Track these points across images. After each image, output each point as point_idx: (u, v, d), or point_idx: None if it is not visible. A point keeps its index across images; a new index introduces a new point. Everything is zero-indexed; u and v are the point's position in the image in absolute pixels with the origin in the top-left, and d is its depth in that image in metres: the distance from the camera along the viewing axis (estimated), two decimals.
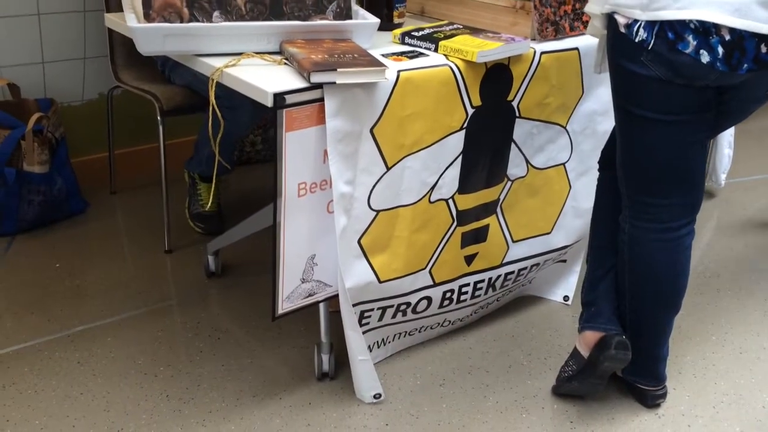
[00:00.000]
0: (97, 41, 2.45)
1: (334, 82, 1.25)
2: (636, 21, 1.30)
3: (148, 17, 1.36)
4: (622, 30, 1.32)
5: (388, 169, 1.42)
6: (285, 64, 1.36)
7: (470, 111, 1.50)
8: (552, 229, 1.84)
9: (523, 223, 1.77)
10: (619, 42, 1.34)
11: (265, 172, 2.75)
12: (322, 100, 1.27)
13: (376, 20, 1.45)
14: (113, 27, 1.62)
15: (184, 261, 2.16)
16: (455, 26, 1.63)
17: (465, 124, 1.51)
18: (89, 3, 2.40)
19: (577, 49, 1.65)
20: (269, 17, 1.45)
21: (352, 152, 1.36)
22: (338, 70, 1.25)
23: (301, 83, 1.26)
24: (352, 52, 1.35)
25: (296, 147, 1.29)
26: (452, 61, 1.45)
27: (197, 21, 1.40)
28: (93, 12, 2.40)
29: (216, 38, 1.37)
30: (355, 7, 1.54)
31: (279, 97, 1.22)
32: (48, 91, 2.42)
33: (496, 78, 1.52)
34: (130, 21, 1.32)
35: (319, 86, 1.26)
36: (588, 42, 1.67)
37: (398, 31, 1.56)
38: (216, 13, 1.42)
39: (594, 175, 1.83)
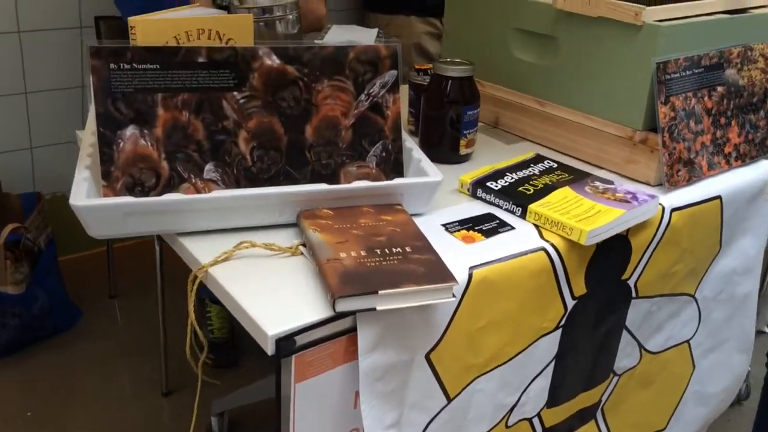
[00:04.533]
0: None
1: (374, 309, 0.80)
2: None
3: (108, 177, 0.94)
4: None
5: (450, 400, 0.97)
6: (301, 253, 0.92)
7: (570, 304, 1.04)
8: (667, 425, 1.35)
9: (631, 422, 1.29)
10: None
11: None
12: (353, 330, 0.82)
13: (437, 178, 0.99)
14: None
15: (185, 408, 1.73)
16: (546, 164, 1.16)
17: (562, 322, 1.05)
18: (86, 74, 2.01)
19: (719, 197, 1.17)
20: (285, 167, 1.01)
21: (397, 388, 0.90)
22: (380, 292, 0.80)
23: (322, 306, 0.81)
24: (403, 241, 0.90)
25: (311, 398, 0.84)
26: (548, 239, 0.99)
27: (181, 178, 0.97)
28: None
29: (201, 214, 0.93)
30: (409, 144, 1.08)
31: (285, 342, 0.77)
32: (37, 180, 2.04)
33: (609, 255, 1.05)
34: (77, 196, 0.89)
35: (350, 313, 0.81)
36: (733, 184, 1.20)
37: (467, 178, 1.11)
38: (209, 166, 0.98)
39: (727, 350, 1.36)
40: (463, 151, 1.21)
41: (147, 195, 0.95)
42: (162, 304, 1.76)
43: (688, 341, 1.30)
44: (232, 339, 1.90)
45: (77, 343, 1.95)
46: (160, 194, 0.95)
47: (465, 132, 1.20)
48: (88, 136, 1.07)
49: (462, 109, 1.18)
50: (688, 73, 1.15)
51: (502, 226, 1.01)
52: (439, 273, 0.84)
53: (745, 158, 1.25)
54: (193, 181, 0.98)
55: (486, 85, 1.38)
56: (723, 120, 1.21)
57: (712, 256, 1.24)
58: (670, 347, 1.28)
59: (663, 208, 1.10)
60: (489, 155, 1.26)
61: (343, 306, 0.79)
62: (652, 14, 1.11)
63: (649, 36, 1.10)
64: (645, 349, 1.24)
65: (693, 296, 1.26)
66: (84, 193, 0.90)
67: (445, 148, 1.21)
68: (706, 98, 1.18)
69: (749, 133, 1.25)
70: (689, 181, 1.16)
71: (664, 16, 1.13)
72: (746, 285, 1.32)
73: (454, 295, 0.84)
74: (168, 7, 1.65)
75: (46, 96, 1.96)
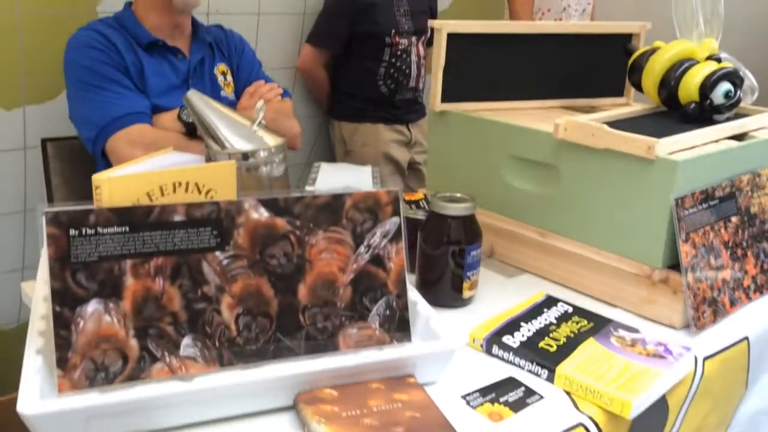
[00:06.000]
0: (38, 246, 1.87)
1: None
2: None
3: (65, 365, 0.77)
4: None
5: None
6: None
7: None
8: None
9: None
10: None
11: None
12: None
13: (454, 345, 0.86)
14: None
15: None
16: (561, 308, 1.05)
17: None
18: (30, 199, 1.84)
19: (746, 339, 1.08)
20: (275, 334, 0.87)
21: None
22: None
23: None
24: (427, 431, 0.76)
25: None
26: (584, 410, 0.86)
27: (153, 357, 0.81)
28: (34, 211, 1.84)
29: (180, 406, 0.78)
30: (413, 297, 0.96)
31: None
32: None
33: (648, 420, 0.93)
34: (26, 399, 0.72)
35: None
36: (757, 321, 1.11)
37: (480, 332, 0.98)
38: (186, 341, 0.83)
39: None
40: (466, 294, 1.09)
41: (112, 382, 0.79)
42: None
43: None
44: None
45: None
46: (127, 379, 0.79)
47: (468, 274, 1.08)
48: (39, 303, 0.91)
49: (465, 248, 1.07)
50: (704, 206, 1.07)
51: (529, 395, 0.88)
52: None
53: (762, 289, 1.17)
54: (168, 360, 0.82)
55: (478, 212, 1.28)
56: (740, 252, 1.13)
57: (738, 399, 1.14)
58: None
59: (696, 359, 0.99)
60: (490, 292, 1.15)
61: None
62: (665, 147, 1.03)
63: (664, 170, 1.02)
64: None
65: None
66: (36, 392, 0.73)
67: (446, 292, 1.09)
68: (722, 231, 1.10)
69: (764, 263, 1.18)
70: (714, 321, 1.07)
71: (676, 148, 1.06)
72: None
73: None
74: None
75: None
